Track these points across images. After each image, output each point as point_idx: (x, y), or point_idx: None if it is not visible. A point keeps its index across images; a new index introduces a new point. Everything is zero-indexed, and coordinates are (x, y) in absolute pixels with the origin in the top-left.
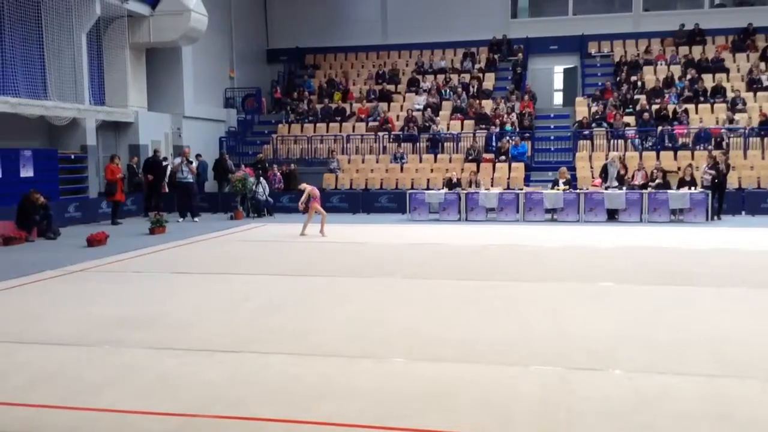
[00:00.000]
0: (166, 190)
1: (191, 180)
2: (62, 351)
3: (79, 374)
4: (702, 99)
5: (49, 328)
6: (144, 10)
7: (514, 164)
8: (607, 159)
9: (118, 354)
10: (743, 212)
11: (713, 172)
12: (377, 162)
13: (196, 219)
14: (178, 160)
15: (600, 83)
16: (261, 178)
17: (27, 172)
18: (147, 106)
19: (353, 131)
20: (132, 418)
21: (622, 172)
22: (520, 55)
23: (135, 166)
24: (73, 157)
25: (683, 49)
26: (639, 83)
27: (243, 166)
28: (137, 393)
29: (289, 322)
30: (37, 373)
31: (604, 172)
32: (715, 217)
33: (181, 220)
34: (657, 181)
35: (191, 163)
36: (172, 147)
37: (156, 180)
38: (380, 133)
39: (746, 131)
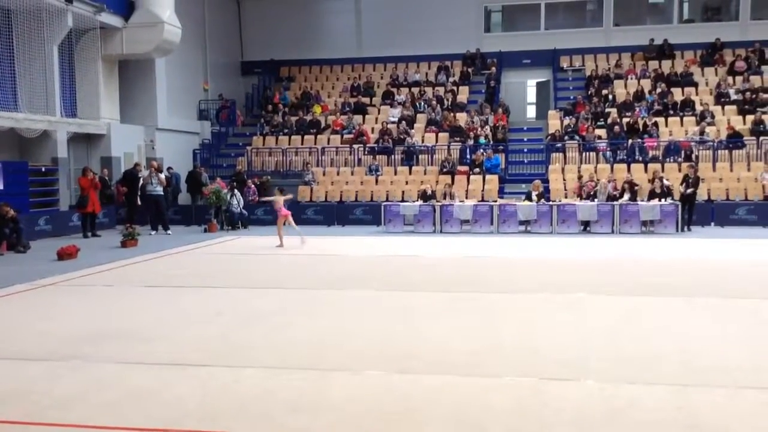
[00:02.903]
0: (140, 202)
1: (161, 192)
2: (31, 366)
3: (48, 389)
4: (672, 112)
5: (17, 342)
6: (117, 22)
7: (488, 176)
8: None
9: (88, 369)
10: (712, 223)
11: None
12: (352, 174)
13: (168, 231)
14: (146, 172)
15: (572, 97)
16: (235, 191)
17: None
18: (120, 118)
19: (328, 143)
20: None
21: (614, 192)
22: (493, 68)
23: (107, 178)
24: (43, 169)
25: (653, 64)
26: (610, 97)
27: (218, 179)
28: (107, 408)
29: (263, 336)
30: (5, 389)
31: (594, 195)
32: (685, 229)
33: (153, 232)
34: (626, 195)
35: (161, 172)
36: (145, 159)
37: (131, 192)
38: (355, 146)
39: (715, 144)
